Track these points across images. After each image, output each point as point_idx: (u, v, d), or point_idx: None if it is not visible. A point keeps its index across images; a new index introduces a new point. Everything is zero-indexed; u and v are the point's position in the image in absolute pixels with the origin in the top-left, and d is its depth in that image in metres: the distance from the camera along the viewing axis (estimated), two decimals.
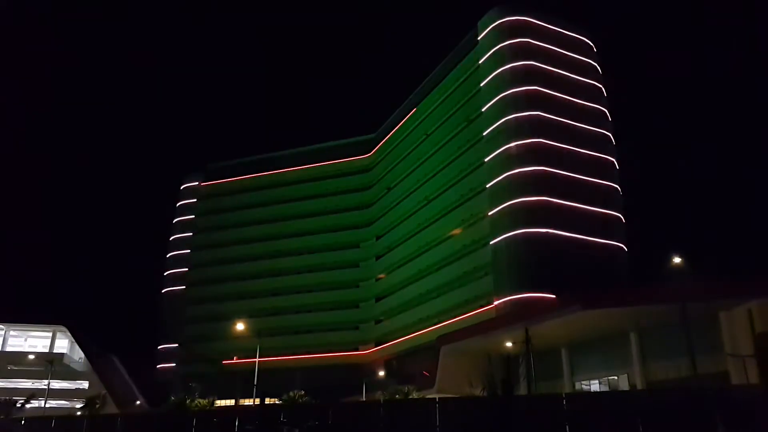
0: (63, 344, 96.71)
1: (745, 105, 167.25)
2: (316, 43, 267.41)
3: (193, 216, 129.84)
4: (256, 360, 58.11)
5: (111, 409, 75.08)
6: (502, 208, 77.74)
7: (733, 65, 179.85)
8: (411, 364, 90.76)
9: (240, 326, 71.11)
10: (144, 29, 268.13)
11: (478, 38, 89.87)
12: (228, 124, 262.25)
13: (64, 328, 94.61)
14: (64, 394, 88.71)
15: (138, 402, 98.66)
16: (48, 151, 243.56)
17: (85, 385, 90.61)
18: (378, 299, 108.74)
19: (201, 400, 50.46)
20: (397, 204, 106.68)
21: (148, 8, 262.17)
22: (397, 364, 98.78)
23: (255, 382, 56.92)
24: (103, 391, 78.81)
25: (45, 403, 74.79)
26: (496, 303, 75.35)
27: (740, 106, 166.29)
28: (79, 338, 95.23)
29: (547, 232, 73.89)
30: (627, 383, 55.50)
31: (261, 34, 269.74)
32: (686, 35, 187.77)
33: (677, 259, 41.26)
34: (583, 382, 60.64)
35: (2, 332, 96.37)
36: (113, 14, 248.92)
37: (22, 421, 47.84)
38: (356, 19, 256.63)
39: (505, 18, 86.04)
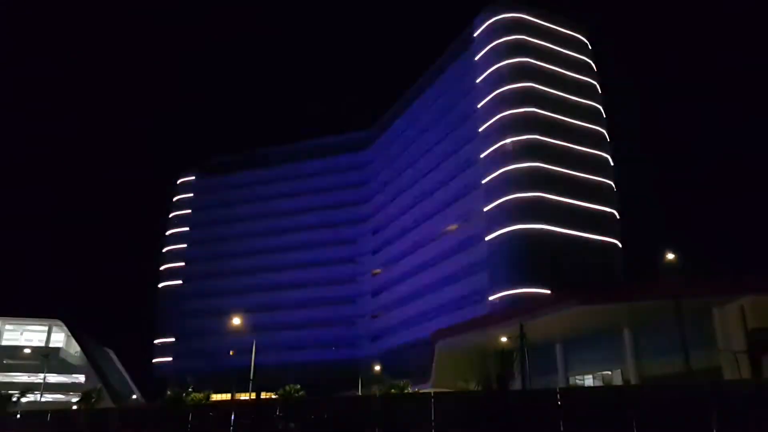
0: (59, 338, 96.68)
1: (742, 100, 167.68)
2: (313, 39, 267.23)
3: (189, 211, 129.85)
4: (252, 354, 58.18)
5: (107, 403, 75.00)
6: (498, 204, 77.99)
7: (730, 61, 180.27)
8: (407, 360, 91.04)
9: (236, 321, 71.11)
10: (140, 24, 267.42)
11: (474, 35, 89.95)
12: (224, 119, 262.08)
13: (60, 322, 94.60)
14: (60, 388, 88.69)
15: (134, 396, 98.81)
16: (45, 145, 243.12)
17: (81, 379, 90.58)
18: (374, 294, 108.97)
19: (197, 395, 50.36)
20: (394, 200, 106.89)
21: (145, 2, 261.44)
22: (392, 359, 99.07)
23: (251, 377, 56.93)
24: (99, 385, 78.68)
25: (41, 397, 74.83)
26: (491, 298, 75.69)
27: (738, 100, 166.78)
28: (75, 332, 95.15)
29: (542, 228, 74.10)
30: (621, 378, 55.71)
31: (258, 28, 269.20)
32: (681, 31, 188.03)
33: (671, 256, 41.48)
34: (577, 378, 61.01)
35: None
36: (111, 9, 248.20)
37: (18, 415, 47.76)
38: (352, 15, 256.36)
39: (500, 15, 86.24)
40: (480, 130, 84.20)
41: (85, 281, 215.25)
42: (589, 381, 59.78)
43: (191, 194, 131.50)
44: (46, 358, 76.98)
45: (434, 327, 79.15)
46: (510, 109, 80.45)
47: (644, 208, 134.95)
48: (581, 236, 75.21)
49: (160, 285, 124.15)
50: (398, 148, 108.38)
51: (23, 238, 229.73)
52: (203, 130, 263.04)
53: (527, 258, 73.37)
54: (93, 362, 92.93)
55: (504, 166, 78.52)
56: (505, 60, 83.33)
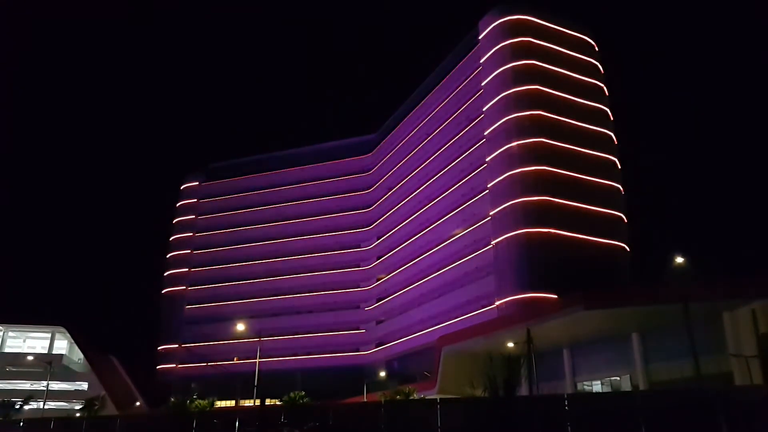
0: (62, 345, 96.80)
1: (746, 102, 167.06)
2: (316, 43, 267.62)
3: (193, 216, 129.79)
4: (257, 361, 57.89)
5: (110, 410, 74.84)
6: (504, 208, 77.26)
7: (736, 64, 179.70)
8: (412, 365, 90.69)
9: (240, 327, 70.85)
10: (145, 28, 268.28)
11: (479, 37, 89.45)
12: (228, 124, 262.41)
13: (63, 329, 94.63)
14: (63, 395, 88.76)
15: (138, 403, 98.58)
16: (48, 150, 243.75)
17: (84, 386, 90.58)
18: (379, 300, 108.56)
19: (201, 401, 50.14)
20: (399, 204, 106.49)
21: (149, 7, 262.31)
22: (398, 365, 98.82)
23: (255, 384, 56.67)
24: (103, 393, 78.63)
25: (44, 405, 74.67)
26: (497, 303, 75.02)
27: (742, 104, 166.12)
28: (78, 339, 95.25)
29: (548, 231, 73.35)
30: (629, 384, 55.46)
31: (261, 33, 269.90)
32: (688, 34, 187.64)
33: (680, 259, 41.09)
34: (585, 383, 60.67)
35: (1, 333, 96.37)
36: (114, 12, 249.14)
37: (21, 423, 47.49)
38: (357, 18, 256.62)
39: (506, 17, 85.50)
40: (486, 133, 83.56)
41: (87, 288, 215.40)
42: (597, 386, 59.46)
43: (195, 200, 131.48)
44: (49, 365, 76.78)
45: (440, 332, 79.01)
46: (516, 112, 79.66)
47: (652, 211, 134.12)
48: (588, 240, 74.28)
49: (164, 291, 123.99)
50: (403, 151, 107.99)
51: (25, 244, 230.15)
52: (207, 136, 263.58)
53: (534, 262, 72.50)
54: (96, 369, 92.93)
55: (510, 170, 77.66)
56: (510, 62, 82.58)
